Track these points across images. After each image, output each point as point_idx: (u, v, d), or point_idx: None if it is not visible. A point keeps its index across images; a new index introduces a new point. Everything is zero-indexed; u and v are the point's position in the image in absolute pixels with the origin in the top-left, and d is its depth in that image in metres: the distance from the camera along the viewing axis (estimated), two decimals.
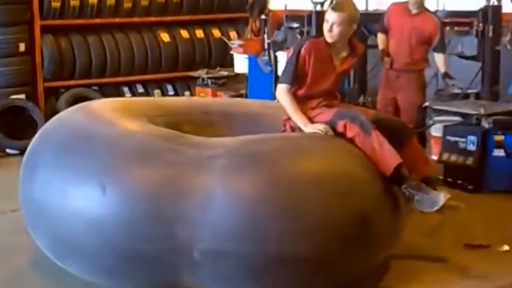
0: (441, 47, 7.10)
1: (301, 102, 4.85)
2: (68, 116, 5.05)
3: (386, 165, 4.50)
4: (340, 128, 4.63)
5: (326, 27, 4.79)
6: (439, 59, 7.10)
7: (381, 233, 4.43)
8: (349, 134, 4.58)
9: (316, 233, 4.10)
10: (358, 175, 4.40)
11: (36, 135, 4.96)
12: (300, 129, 4.78)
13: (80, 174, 4.37)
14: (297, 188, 4.15)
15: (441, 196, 4.54)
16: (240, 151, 4.34)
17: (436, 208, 4.54)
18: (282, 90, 4.84)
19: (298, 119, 4.76)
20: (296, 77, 4.81)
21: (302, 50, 4.79)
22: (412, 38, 6.99)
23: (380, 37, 7.23)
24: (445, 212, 4.64)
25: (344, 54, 4.91)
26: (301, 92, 4.86)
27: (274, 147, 4.43)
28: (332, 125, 4.66)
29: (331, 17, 4.76)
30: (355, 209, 4.23)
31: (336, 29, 4.76)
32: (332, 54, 4.89)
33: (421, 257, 5.05)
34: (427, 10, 7.11)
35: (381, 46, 7.18)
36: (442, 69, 7.12)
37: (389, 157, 4.51)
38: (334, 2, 4.91)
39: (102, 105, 5.15)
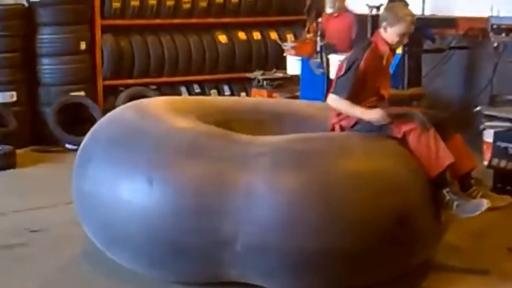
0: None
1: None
2: (120, 113, 5.22)
3: (439, 162, 4.54)
4: (395, 124, 4.68)
5: (401, 39, 4.93)
6: None
7: (421, 233, 4.48)
8: (405, 128, 4.63)
9: (355, 230, 4.20)
10: (400, 175, 4.46)
11: (90, 131, 5.14)
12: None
13: (128, 168, 4.53)
14: (338, 186, 4.24)
15: (484, 202, 4.55)
16: (284, 149, 4.44)
17: (477, 213, 4.55)
18: (337, 101, 4.86)
19: (357, 112, 4.81)
20: (353, 90, 4.86)
21: (363, 62, 4.86)
22: (337, 39, 7.87)
23: None
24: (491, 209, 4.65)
25: (388, 51, 5.01)
26: (358, 98, 4.91)
27: (318, 146, 4.53)
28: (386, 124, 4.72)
29: (409, 30, 4.92)
30: (395, 208, 4.30)
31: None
32: (382, 55, 4.98)
33: (463, 260, 5.06)
34: (347, 10, 8.30)
35: None
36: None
37: (443, 155, 4.55)
38: (409, 14, 4.98)
39: (153, 103, 5.30)
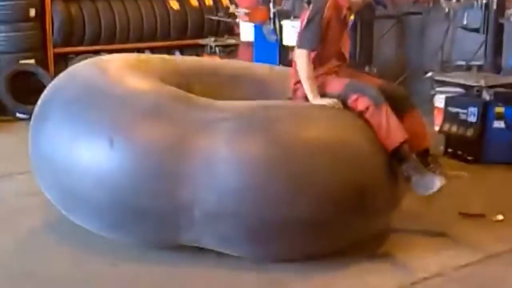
0: None
1: (313, 65, 4.84)
2: (79, 70, 5.06)
3: (391, 139, 4.57)
4: (351, 101, 4.67)
5: None
6: None
7: (380, 203, 4.51)
8: (360, 107, 4.63)
9: (314, 199, 4.21)
10: (360, 146, 4.48)
11: (47, 88, 5.01)
12: None
13: (88, 129, 4.46)
14: (299, 155, 4.24)
15: (437, 182, 4.60)
16: (246, 115, 4.41)
17: (429, 193, 4.61)
18: (304, 55, 4.77)
19: (309, 89, 4.76)
20: (319, 40, 4.81)
21: (326, 11, 4.80)
22: None
23: None
24: (449, 182, 4.70)
25: (345, 10, 4.98)
26: (320, 58, 4.87)
27: (280, 113, 4.50)
28: (343, 98, 4.70)
29: None
30: (355, 178, 4.32)
31: None
32: (341, 11, 4.93)
33: (418, 224, 5.15)
34: None
35: None
36: None
37: (395, 132, 4.57)
38: None
39: (114, 60, 5.16)
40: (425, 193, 4.63)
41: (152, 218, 4.33)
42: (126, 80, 4.72)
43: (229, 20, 8.91)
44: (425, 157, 4.89)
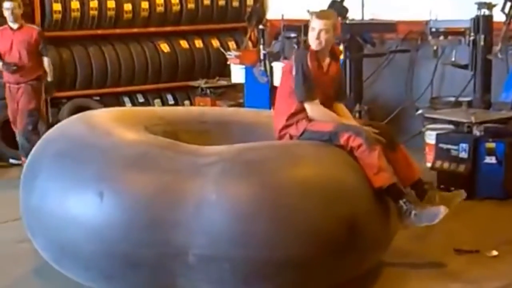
0: (44, 51, 7.91)
1: (301, 111, 4.95)
2: (68, 125, 5.19)
3: (380, 178, 4.62)
4: (343, 139, 4.71)
5: (313, 35, 4.93)
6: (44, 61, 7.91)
7: (371, 240, 4.54)
8: (352, 144, 4.68)
9: (305, 239, 4.23)
10: (349, 183, 4.52)
11: (37, 144, 5.10)
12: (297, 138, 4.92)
13: (78, 182, 4.51)
14: (288, 195, 4.28)
15: (441, 211, 4.69)
16: (233, 159, 4.46)
17: (436, 221, 4.69)
18: (314, 106, 4.90)
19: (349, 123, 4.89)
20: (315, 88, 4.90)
21: (309, 61, 4.91)
22: (21, 51, 7.81)
23: None
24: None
25: (328, 60, 5.06)
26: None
27: (267, 155, 4.55)
28: (334, 136, 4.75)
29: (317, 24, 4.91)
30: (345, 216, 4.35)
31: (323, 36, 4.91)
32: (320, 62, 5.03)
33: (411, 262, 5.17)
34: (26, 24, 8.00)
35: None
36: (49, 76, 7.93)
37: (384, 174, 4.63)
38: (318, 11, 5.13)
39: (101, 115, 5.28)
40: (429, 224, 4.71)
41: (146, 266, 4.34)
42: (112, 132, 4.80)
43: None
44: (421, 188, 4.95)
